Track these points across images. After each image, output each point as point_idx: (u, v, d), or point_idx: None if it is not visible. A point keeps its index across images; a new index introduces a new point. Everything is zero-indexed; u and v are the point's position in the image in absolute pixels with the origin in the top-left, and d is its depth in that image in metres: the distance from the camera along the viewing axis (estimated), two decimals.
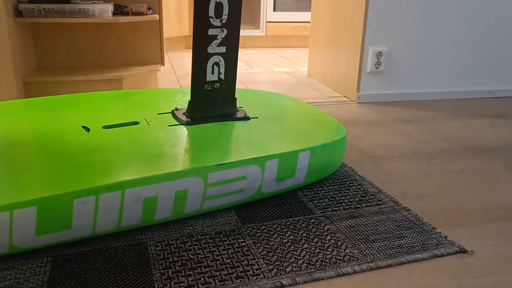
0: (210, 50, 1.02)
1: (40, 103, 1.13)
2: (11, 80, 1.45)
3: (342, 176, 1.08)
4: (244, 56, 2.93)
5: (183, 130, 0.98)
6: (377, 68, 1.80)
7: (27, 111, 1.07)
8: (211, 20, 0.99)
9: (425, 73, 1.88)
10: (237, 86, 2.01)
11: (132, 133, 0.95)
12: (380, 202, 0.96)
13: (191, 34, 3.18)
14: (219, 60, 1.03)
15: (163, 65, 1.93)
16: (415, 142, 1.38)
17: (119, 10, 1.74)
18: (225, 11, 1.00)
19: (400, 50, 1.81)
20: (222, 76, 1.05)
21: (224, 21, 1.01)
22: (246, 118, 1.08)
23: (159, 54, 1.89)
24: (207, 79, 1.04)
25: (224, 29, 1.01)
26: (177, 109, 1.08)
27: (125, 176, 0.77)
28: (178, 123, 1.02)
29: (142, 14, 1.74)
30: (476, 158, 1.25)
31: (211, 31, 1.00)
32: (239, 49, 3.24)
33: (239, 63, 2.64)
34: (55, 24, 1.71)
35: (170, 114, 1.08)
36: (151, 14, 1.77)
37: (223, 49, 1.03)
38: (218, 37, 1.01)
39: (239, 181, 0.88)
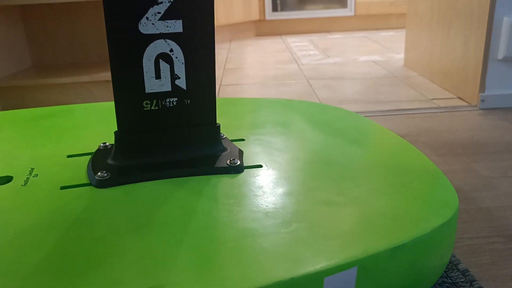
0: (146, 28, 0.48)
1: None
2: None
3: None
4: (322, 42, 2.32)
5: (80, 203, 0.46)
6: None
7: None
8: None
9: None
10: (296, 83, 1.43)
11: None
12: None
13: (261, 17, 2.64)
14: (170, 50, 0.49)
15: None
16: None
17: None
18: None
19: None
20: (181, 82, 0.51)
21: None
22: (232, 168, 0.52)
23: None
24: (148, 90, 0.50)
25: None
26: (105, 147, 0.57)
27: None
28: (85, 181, 0.50)
29: None
30: None
31: None
32: (316, 34, 2.63)
33: (311, 52, 2.04)
34: (49, 8, 1.30)
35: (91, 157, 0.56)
36: None
37: (176, 25, 0.48)
38: (160, 1, 0.47)
39: None
